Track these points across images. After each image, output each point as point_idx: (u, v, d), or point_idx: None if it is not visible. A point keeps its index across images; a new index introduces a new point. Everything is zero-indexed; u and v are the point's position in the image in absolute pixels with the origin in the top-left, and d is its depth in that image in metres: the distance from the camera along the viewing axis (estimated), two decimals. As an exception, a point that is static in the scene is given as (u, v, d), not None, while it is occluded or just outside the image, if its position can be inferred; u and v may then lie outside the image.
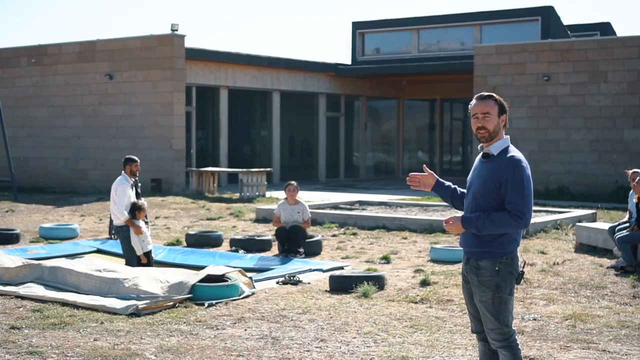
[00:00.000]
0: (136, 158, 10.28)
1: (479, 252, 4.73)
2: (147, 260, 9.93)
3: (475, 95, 4.82)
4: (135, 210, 9.92)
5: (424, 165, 5.14)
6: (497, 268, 4.69)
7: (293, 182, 12.05)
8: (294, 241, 11.44)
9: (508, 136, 4.79)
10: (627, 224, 10.71)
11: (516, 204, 4.57)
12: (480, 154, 4.81)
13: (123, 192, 9.97)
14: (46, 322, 7.24)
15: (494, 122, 4.72)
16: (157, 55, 22.16)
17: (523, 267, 4.79)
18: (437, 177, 5.03)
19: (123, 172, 10.20)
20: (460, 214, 4.81)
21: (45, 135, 24.40)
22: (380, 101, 31.54)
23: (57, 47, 24.23)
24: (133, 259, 9.93)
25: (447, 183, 5.03)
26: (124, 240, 9.95)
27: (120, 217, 9.91)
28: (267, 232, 13.66)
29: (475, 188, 4.75)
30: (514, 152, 4.71)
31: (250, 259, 11.13)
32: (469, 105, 4.83)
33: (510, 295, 4.72)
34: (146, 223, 10.22)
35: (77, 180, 23.54)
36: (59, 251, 11.86)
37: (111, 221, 13.29)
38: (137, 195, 10.93)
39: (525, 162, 4.66)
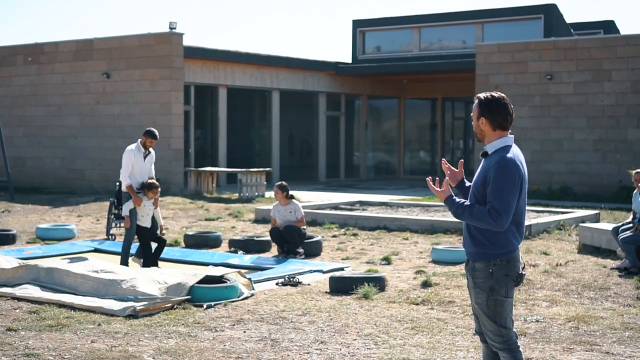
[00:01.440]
0: (156, 135, 10.50)
1: (474, 253, 4.74)
2: (142, 234, 10.34)
3: None
4: (145, 188, 10.28)
5: (462, 160, 5.12)
6: (490, 270, 4.68)
7: (279, 182, 12.14)
8: (290, 241, 11.44)
9: (511, 137, 4.78)
10: (631, 225, 10.71)
11: (493, 204, 4.57)
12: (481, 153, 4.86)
13: (127, 158, 10.31)
14: (43, 324, 7.24)
15: (475, 124, 4.80)
16: (155, 53, 22.16)
17: (523, 269, 4.78)
18: (464, 177, 5.04)
19: (139, 140, 10.52)
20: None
21: (42, 135, 24.40)
22: (381, 100, 31.54)
23: (54, 46, 24.23)
24: (131, 226, 10.30)
25: (469, 184, 5.03)
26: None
27: (124, 183, 10.30)
28: (266, 232, 13.65)
29: (472, 186, 4.81)
30: (509, 151, 4.69)
31: (249, 260, 11.13)
32: None
33: (507, 298, 4.70)
34: (157, 196, 10.54)
35: (74, 180, 23.53)
36: (55, 252, 11.86)
37: (108, 221, 13.33)
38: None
39: (513, 162, 4.62)
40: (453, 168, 5.01)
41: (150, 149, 10.59)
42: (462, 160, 5.14)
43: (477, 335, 5.00)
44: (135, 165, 10.28)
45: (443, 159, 5.06)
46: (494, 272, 4.67)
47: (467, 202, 4.69)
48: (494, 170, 4.61)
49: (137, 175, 10.36)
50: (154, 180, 10.40)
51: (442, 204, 17.96)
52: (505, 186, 4.57)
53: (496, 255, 4.67)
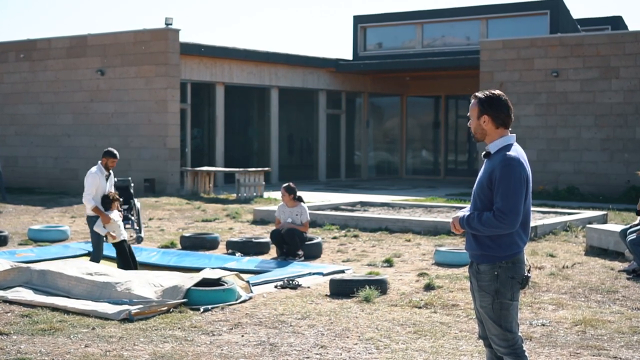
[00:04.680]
0: (116, 154, 10.59)
1: (478, 255, 4.76)
2: (122, 249, 10.30)
3: None
4: (107, 202, 10.24)
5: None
6: (496, 272, 4.69)
7: (287, 184, 12.07)
8: (289, 243, 11.45)
9: (512, 135, 4.80)
10: (638, 227, 10.70)
11: (498, 204, 4.60)
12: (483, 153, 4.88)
13: (92, 181, 10.35)
14: (35, 328, 7.25)
15: (474, 124, 4.83)
16: (151, 50, 22.17)
17: (529, 272, 4.79)
18: None
19: (99, 162, 10.53)
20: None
21: (34, 134, 24.41)
22: (383, 98, 31.55)
23: (47, 42, 24.23)
24: (99, 246, 10.32)
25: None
26: (91, 229, 10.34)
27: (88, 205, 10.31)
28: (264, 234, 13.67)
29: (475, 188, 4.82)
30: (511, 150, 4.71)
31: (247, 262, 11.14)
32: None
33: (512, 301, 4.72)
34: (120, 211, 10.61)
35: (67, 180, 23.54)
36: (48, 254, 11.87)
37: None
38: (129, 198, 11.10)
39: (518, 161, 4.65)
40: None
41: (110, 171, 10.63)
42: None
43: (481, 340, 5.01)
44: (99, 188, 10.34)
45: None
46: (499, 275, 4.68)
47: (474, 213, 4.71)
48: (499, 170, 4.62)
49: (99, 198, 10.40)
50: (107, 193, 10.37)
51: (446, 204, 17.92)
52: (511, 186, 4.59)
53: (501, 258, 4.69)
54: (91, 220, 10.32)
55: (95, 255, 10.38)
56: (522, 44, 22.23)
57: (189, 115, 23.83)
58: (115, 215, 10.31)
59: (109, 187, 10.53)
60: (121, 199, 10.53)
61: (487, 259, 4.72)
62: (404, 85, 30.64)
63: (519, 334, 4.80)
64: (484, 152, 4.84)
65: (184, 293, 8.19)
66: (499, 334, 4.73)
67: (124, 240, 10.33)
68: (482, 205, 4.71)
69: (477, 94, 4.85)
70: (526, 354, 4.81)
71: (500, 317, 4.70)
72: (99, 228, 10.17)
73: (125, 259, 10.31)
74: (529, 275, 4.77)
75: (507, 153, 4.68)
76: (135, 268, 10.30)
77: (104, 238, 10.26)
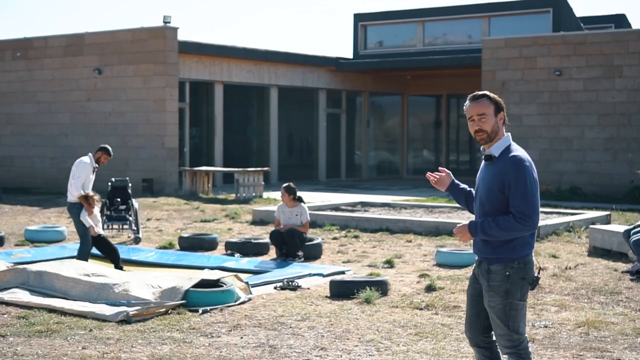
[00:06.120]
0: (112, 153, 10.92)
1: (491, 258, 4.76)
2: (102, 241, 10.54)
3: (469, 96, 4.82)
4: (89, 202, 10.42)
5: (440, 167, 5.18)
6: (507, 273, 4.71)
7: (287, 184, 12.08)
8: (289, 244, 11.45)
9: (509, 134, 4.81)
10: (642, 227, 10.70)
11: (519, 207, 4.58)
12: (483, 156, 4.83)
13: (84, 169, 10.54)
14: (32, 330, 7.25)
15: (491, 123, 4.73)
16: (149, 48, 22.17)
17: (538, 273, 4.80)
18: (453, 177, 5.09)
19: (91, 154, 10.76)
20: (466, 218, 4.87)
21: (31, 133, 24.41)
22: (384, 97, 31.56)
23: (44, 41, 24.24)
24: (86, 235, 10.39)
25: (463, 185, 5.06)
26: (75, 218, 10.47)
27: (75, 193, 10.45)
28: (264, 234, 13.67)
29: (481, 192, 4.79)
30: (516, 151, 4.71)
31: (246, 263, 11.14)
32: (464, 107, 4.84)
33: (522, 301, 4.74)
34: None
35: (64, 180, 23.22)
36: (45, 255, 11.86)
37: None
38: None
39: (528, 161, 4.66)
40: (436, 175, 5.04)
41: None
42: (440, 167, 5.17)
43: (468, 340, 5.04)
44: (87, 178, 10.53)
45: (428, 172, 5.11)
46: (510, 275, 4.71)
47: (488, 219, 4.67)
48: (513, 173, 4.62)
49: (86, 188, 10.59)
50: (89, 192, 10.55)
51: (447, 205, 17.88)
52: (528, 186, 4.60)
53: (515, 259, 4.72)
54: (74, 207, 10.46)
55: (83, 245, 10.46)
56: (524, 43, 22.23)
57: (187, 115, 23.85)
58: (96, 209, 10.58)
59: (93, 179, 10.78)
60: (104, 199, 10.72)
61: (500, 260, 4.73)
62: (405, 84, 30.65)
63: (526, 335, 4.82)
64: (485, 155, 4.80)
65: (183, 294, 8.18)
66: (505, 334, 4.76)
67: (100, 235, 10.54)
68: (493, 209, 4.70)
69: (485, 92, 4.79)
70: (531, 356, 4.83)
71: (509, 318, 4.73)
72: (84, 218, 10.35)
73: (109, 249, 10.50)
74: (538, 276, 4.79)
75: (515, 154, 4.68)
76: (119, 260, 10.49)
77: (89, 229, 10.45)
